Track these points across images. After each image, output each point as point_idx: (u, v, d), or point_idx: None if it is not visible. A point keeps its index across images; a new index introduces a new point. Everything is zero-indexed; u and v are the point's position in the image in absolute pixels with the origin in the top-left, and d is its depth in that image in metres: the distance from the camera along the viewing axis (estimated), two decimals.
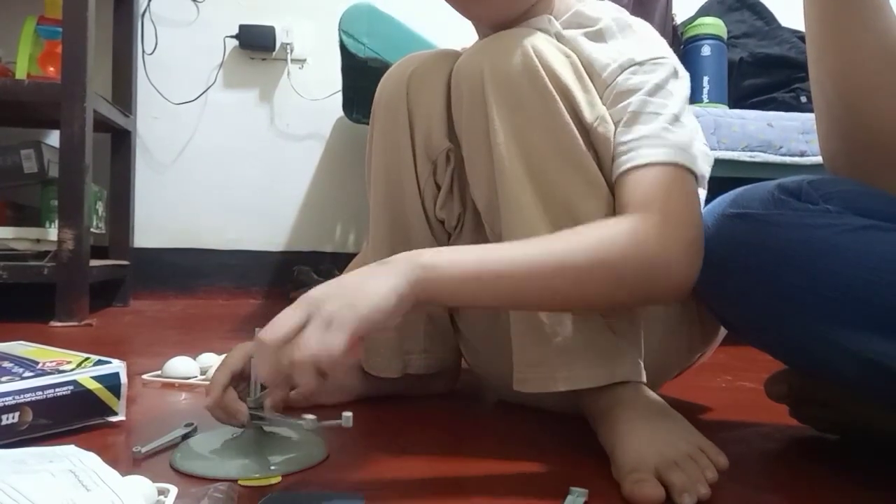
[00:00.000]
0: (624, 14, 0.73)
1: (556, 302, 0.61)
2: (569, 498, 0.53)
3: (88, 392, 0.69)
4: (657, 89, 0.65)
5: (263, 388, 0.62)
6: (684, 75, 0.70)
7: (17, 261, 1.49)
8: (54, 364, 0.72)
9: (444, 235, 0.79)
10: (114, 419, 0.72)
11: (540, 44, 0.66)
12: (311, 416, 0.54)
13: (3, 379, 0.66)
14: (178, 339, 1.36)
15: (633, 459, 0.57)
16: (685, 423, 0.62)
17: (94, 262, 1.57)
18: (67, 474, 0.47)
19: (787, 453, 0.71)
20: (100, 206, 1.80)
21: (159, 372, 0.95)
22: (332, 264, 1.90)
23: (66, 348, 0.81)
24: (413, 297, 0.53)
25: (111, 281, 1.80)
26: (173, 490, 0.51)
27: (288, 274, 1.89)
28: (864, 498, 0.58)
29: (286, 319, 0.51)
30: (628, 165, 0.63)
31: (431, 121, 0.74)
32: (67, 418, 0.68)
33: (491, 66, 0.66)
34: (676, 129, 0.64)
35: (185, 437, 0.67)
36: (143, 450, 0.62)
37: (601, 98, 0.67)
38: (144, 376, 0.93)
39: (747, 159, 1.37)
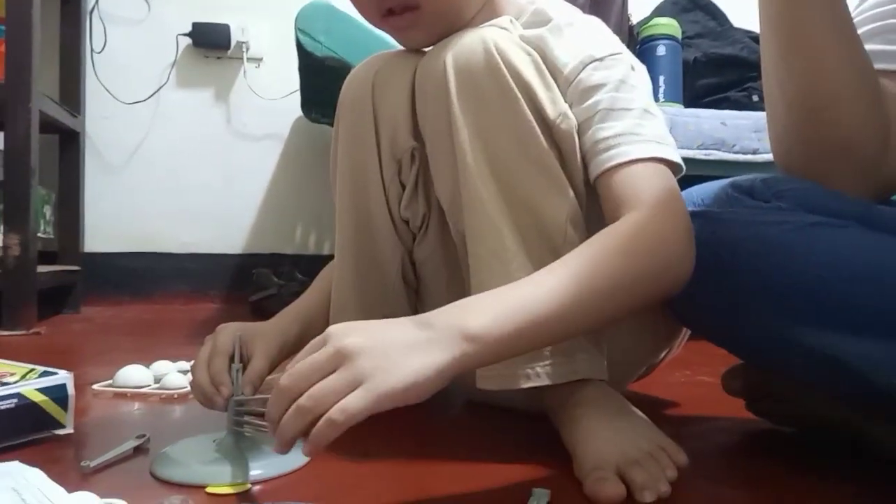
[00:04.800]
0: (578, 13, 0.74)
1: (600, 322, 0.60)
2: (531, 499, 0.52)
3: (34, 405, 0.66)
4: (621, 84, 0.66)
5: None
6: (640, 67, 0.71)
7: None
8: None
9: (409, 236, 0.79)
10: (61, 432, 0.69)
11: (502, 42, 0.66)
12: None
13: None
14: (132, 347, 1.31)
15: (595, 458, 0.57)
16: (646, 422, 0.62)
17: (42, 268, 1.52)
18: (10, 493, 0.45)
19: (745, 447, 0.72)
20: (47, 210, 1.74)
21: (111, 381, 0.91)
22: (292, 266, 1.87)
23: (12, 358, 0.77)
24: (454, 374, 0.49)
25: (61, 287, 1.74)
26: None
27: (247, 277, 1.85)
28: (820, 489, 0.59)
29: (313, 370, 0.47)
30: (611, 164, 0.63)
31: (397, 120, 0.74)
32: (12, 433, 0.65)
33: (454, 63, 0.66)
34: (648, 123, 0.64)
35: (137, 448, 0.65)
36: (92, 464, 0.59)
37: (564, 95, 0.67)
38: (95, 386, 0.90)
39: (702, 157, 1.40)
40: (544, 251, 0.65)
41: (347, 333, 0.49)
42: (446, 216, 0.73)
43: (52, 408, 0.68)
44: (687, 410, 0.86)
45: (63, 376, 0.70)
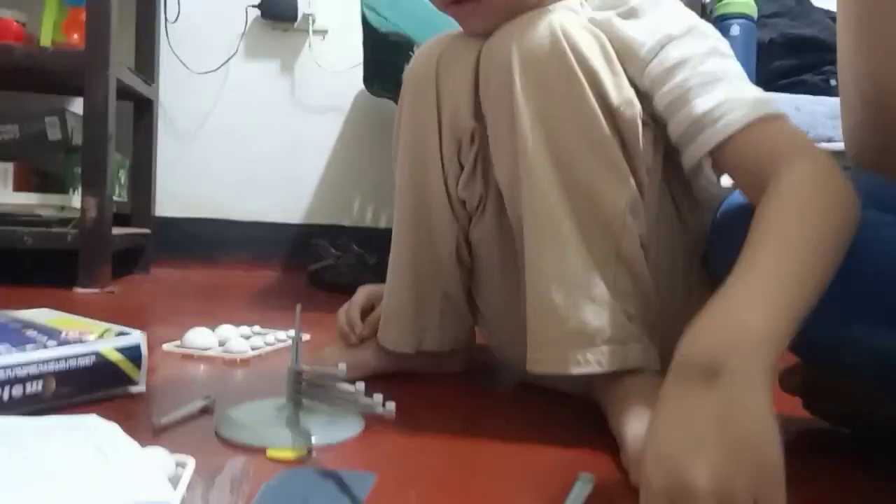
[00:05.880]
0: None
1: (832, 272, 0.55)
2: (577, 483, 0.53)
3: (110, 363, 0.71)
4: (707, 56, 0.64)
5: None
6: (715, 34, 0.68)
7: (42, 227, 1.52)
8: (77, 334, 0.73)
9: (465, 216, 0.80)
10: (135, 389, 0.73)
11: (568, 25, 0.65)
12: (360, 385, 0.61)
13: (28, 347, 0.67)
14: (198, 309, 1.38)
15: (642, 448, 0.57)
16: None
17: (116, 231, 1.60)
18: (88, 443, 0.49)
19: (800, 446, 0.71)
20: (122, 175, 1.82)
21: (179, 342, 0.97)
22: (349, 238, 1.90)
23: (88, 315, 0.82)
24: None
25: (133, 249, 1.83)
26: (191, 462, 0.52)
27: (306, 247, 1.90)
28: (876, 491, 0.58)
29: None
30: (732, 130, 0.60)
31: (458, 100, 0.74)
32: (90, 388, 0.70)
33: (519, 47, 0.66)
34: (749, 86, 0.63)
35: (203, 409, 0.68)
36: (163, 421, 0.64)
37: (641, 76, 0.66)
38: (164, 346, 0.95)
39: None
40: (601, 238, 0.66)
41: (676, 466, 0.40)
42: (504, 199, 0.74)
43: (127, 366, 0.73)
44: None
45: (137, 336, 0.74)
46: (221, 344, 0.97)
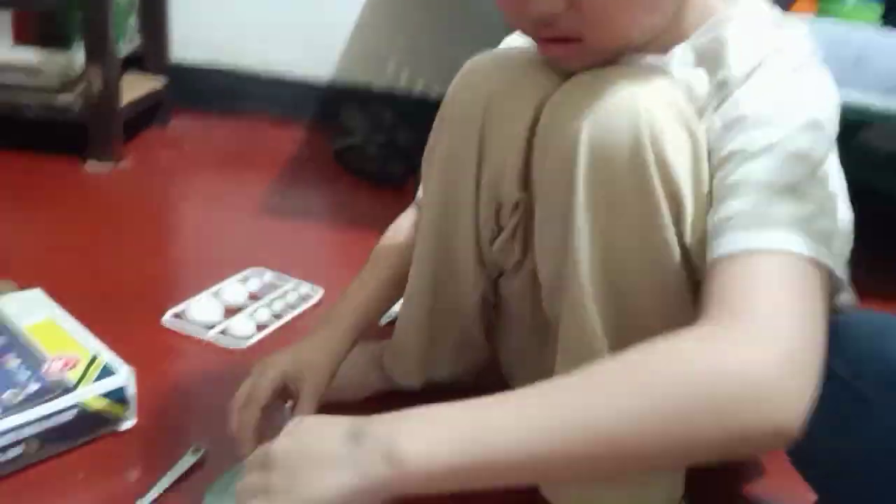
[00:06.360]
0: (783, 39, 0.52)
1: (611, 470, 0.49)
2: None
3: (95, 411, 0.67)
4: (776, 148, 0.48)
5: None
6: (829, 119, 0.51)
7: (45, 93, 1.40)
8: (61, 365, 0.68)
9: (497, 271, 0.69)
10: (124, 426, 0.70)
11: (659, 119, 0.49)
12: None
13: (4, 398, 0.63)
14: (216, 191, 1.38)
15: None
16: None
17: (127, 93, 1.47)
18: None
19: None
20: (133, 19, 1.62)
21: (182, 309, 0.92)
22: (381, 106, 1.73)
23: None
24: (370, 499, 0.41)
25: (149, 98, 1.69)
26: None
27: (334, 111, 1.74)
28: None
29: (250, 464, 0.46)
30: (714, 255, 0.47)
31: (505, 165, 0.61)
32: (75, 436, 0.67)
33: (589, 138, 0.51)
34: (794, 204, 0.46)
35: (195, 465, 0.66)
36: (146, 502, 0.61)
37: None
38: (165, 318, 0.91)
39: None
40: None
41: (286, 431, 0.45)
42: (541, 292, 0.63)
43: (114, 407, 0.69)
44: None
45: (123, 377, 0.69)
46: (228, 312, 0.92)
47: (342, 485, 0.41)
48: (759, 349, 0.41)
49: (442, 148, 0.65)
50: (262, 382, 0.64)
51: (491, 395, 0.42)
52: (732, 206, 0.47)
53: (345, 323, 0.72)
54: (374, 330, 0.77)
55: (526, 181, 0.61)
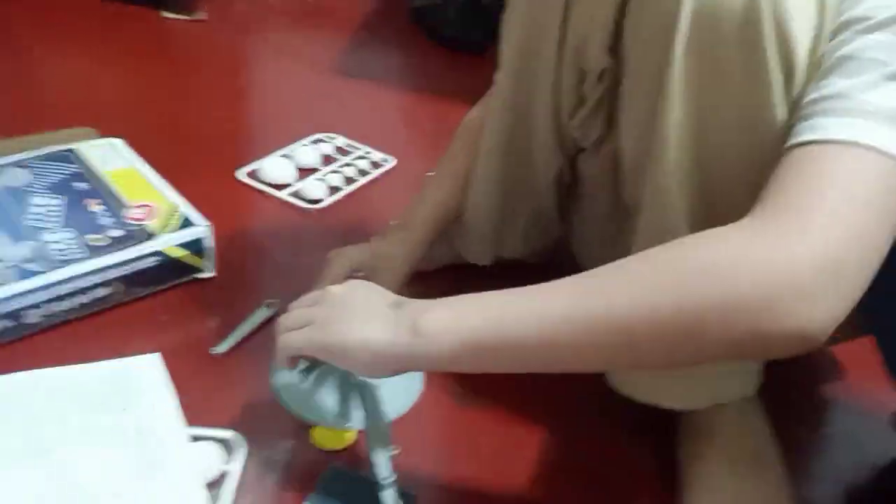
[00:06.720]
0: None
1: (625, 364, 0.53)
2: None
3: (175, 259, 0.70)
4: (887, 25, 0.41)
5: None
6: None
7: None
8: (141, 215, 0.70)
9: (574, 148, 0.65)
10: (204, 275, 0.73)
11: None
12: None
13: (89, 239, 0.66)
14: (291, 46, 1.35)
15: None
16: (775, 482, 0.56)
17: None
18: (133, 449, 0.49)
19: None
20: None
21: (256, 167, 0.92)
22: None
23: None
24: (397, 362, 0.46)
25: None
26: (239, 458, 0.54)
27: None
28: None
29: (303, 301, 0.51)
30: (794, 141, 0.42)
31: (593, 27, 0.56)
32: (158, 282, 0.70)
33: (695, 7, 0.45)
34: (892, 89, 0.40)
35: (270, 319, 0.68)
36: (222, 350, 0.65)
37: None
38: (239, 173, 0.91)
39: None
40: None
41: (344, 283, 0.51)
42: (623, 172, 0.59)
43: (192, 259, 0.71)
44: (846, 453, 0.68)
45: (201, 230, 0.71)
46: (300, 173, 0.92)
47: (371, 338, 0.45)
48: (793, 249, 0.37)
49: (521, 6, 0.60)
50: (335, 270, 0.64)
51: (532, 285, 0.44)
52: (830, 86, 0.41)
53: (421, 230, 0.71)
54: None
55: (615, 47, 0.55)
